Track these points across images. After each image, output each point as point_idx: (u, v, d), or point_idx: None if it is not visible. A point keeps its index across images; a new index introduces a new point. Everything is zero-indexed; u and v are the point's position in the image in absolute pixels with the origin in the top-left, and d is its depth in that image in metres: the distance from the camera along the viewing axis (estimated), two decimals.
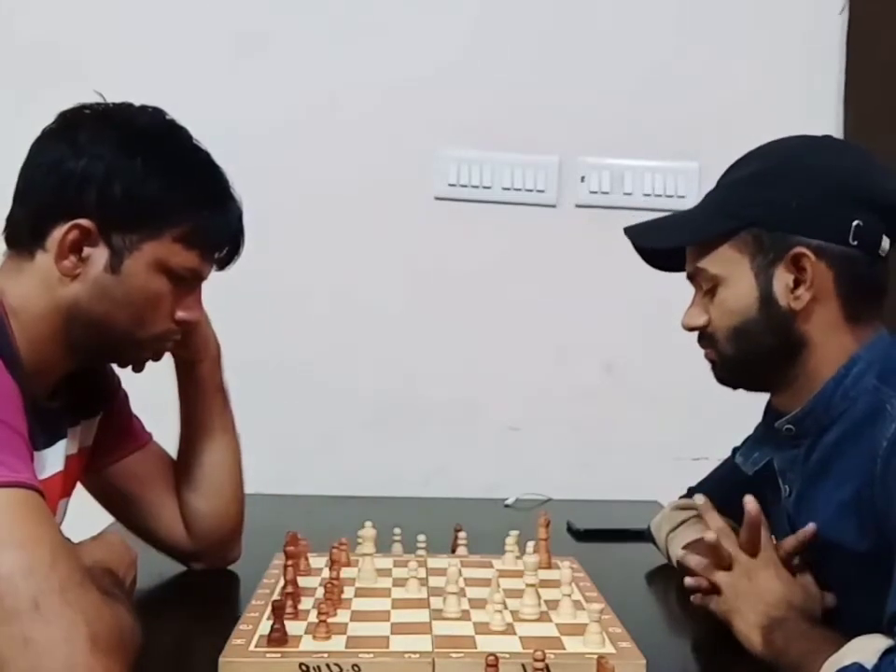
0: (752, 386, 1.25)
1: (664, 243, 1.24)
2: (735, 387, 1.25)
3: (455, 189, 2.22)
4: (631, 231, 1.26)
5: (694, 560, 1.20)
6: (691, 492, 1.47)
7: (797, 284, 1.14)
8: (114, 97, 1.17)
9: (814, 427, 1.16)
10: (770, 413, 1.26)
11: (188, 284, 1.16)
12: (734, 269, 1.16)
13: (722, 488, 1.40)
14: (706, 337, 1.22)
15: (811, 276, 1.13)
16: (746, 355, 1.18)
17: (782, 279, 1.14)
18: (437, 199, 2.22)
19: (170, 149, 1.13)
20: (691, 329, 1.23)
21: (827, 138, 1.28)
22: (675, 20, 2.24)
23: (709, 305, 1.20)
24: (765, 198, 1.15)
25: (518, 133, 2.21)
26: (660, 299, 2.24)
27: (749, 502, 1.15)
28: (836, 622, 1.07)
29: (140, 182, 1.09)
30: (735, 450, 1.36)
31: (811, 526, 1.13)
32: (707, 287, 1.19)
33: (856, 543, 1.07)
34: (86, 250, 1.08)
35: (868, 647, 0.91)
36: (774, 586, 1.11)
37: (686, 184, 2.23)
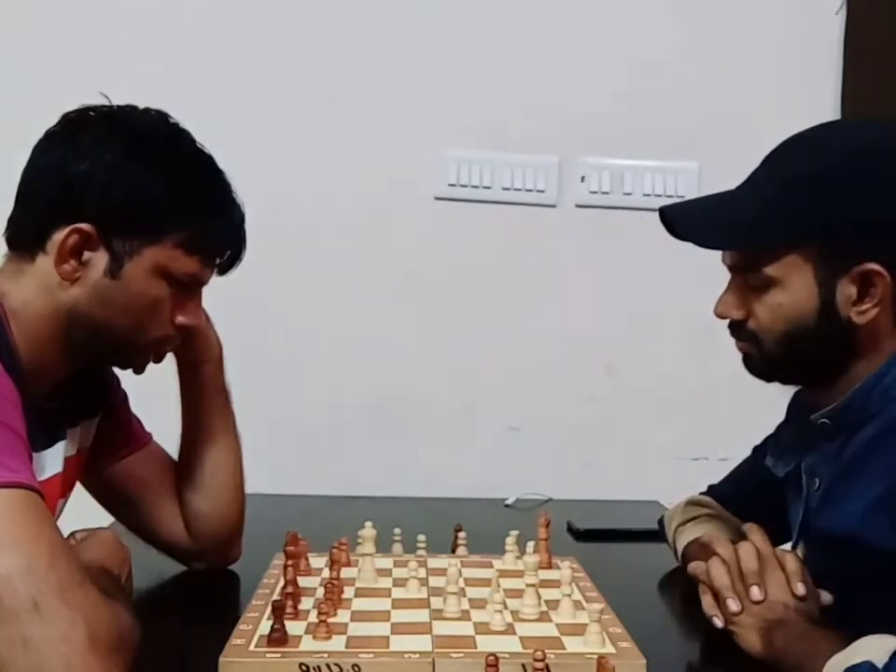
0: (789, 382, 1.22)
1: (721, 244, 1.17)
2: (769, 381, 1.21)
3: (455, 189, 2.22)
4: (678, 220, 1.17)
5: (699, 567, 1.19)
6: (711, 490, 1.46)
7: (860, 296, 1.09)
8: (111, 93, 1.17)
9: (850, 422, 1.14)
10: (802, 406, 1.23)
11: (188, 289, 1.16)
12: (794, 274, 1.11)
13: (745, 489, 1.39)
14: (743, 330, 1.17)
15: (880, 293, 1.09)
16: (794, 357, 1.15)
17: (845, 290, 1.10)
18: (437, 199, 2.22)
19: (172, 154, 1.13)
20: (723, 319, 1.19)
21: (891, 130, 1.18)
22: (674, 20, 2.25)
23: (753, 301, 1.15)
24: (836, 207, 1.09)
25: (518, 133, 2.21)
26: (660, 299, 2.26)
27: (756, 532, 1.15)
28: (855, 618, 1.05)
29: (142, 187, 1.08)
30: (756, 449, 1.34)
31: (828, 597, 1.12)
32: (756, 284, 1.14)
33: (885, 541, 1.05)
34: (86, 254, 1.08)
35: (880, 646, 0.90)
36: (770, 588, 1.11)
37: (686, 184, 2.23)
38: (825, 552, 1.16)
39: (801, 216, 1.11)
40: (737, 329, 1.19)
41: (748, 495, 1.38)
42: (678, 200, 2.20)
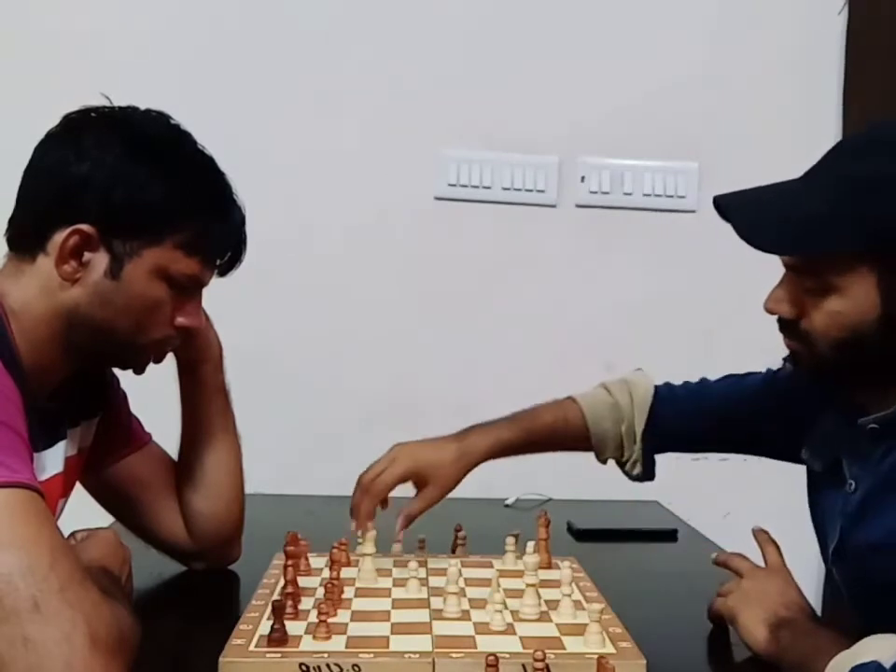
0: (839, 384, 1.17)
1: (783, 249, 1.09)
2: (816, 382, 1.18)
3: (455, 189, 2.22)
4: (735, 215, 1.08)
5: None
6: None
7: None
8: (112, 94, 1.17)
9: None
10: (847, 404, 1.18)
11: (188, 290, 1.16)
12: (856, 282, 1.04)
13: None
14: (794, 330, 1.11)
15: None
16: (847, 362, 1.09)
17: None
18: (437, 199, 2.22)
19: (173, 156, 1.13)
20: (773, 314, 1.13)
21: None
22: (674, 20, 2.24)
23: (808, 302, 1.09)
24: None
25: (518, 132, 2.22)
26: (660, 299, 2.26)
27: (772, 554, 1.17)
28: (878, 629, 0.99)
29: (143, 189, 1.08)
30: (785, 360, 1.30)
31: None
32: (813, 287, 1.08)
33: None
34: (86, 255, 1.08)
35: (887, 646, 0.89)
36: (785, 589, 1.12)
37: (686, 184, 2.23)
38: (858, 560, 1.14)
39: (867, 222, 1.03)
40: (788, 327, 1.13)
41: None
42: (677, 199, 2.23)
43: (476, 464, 1.38)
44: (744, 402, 1.36)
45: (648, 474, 1.46)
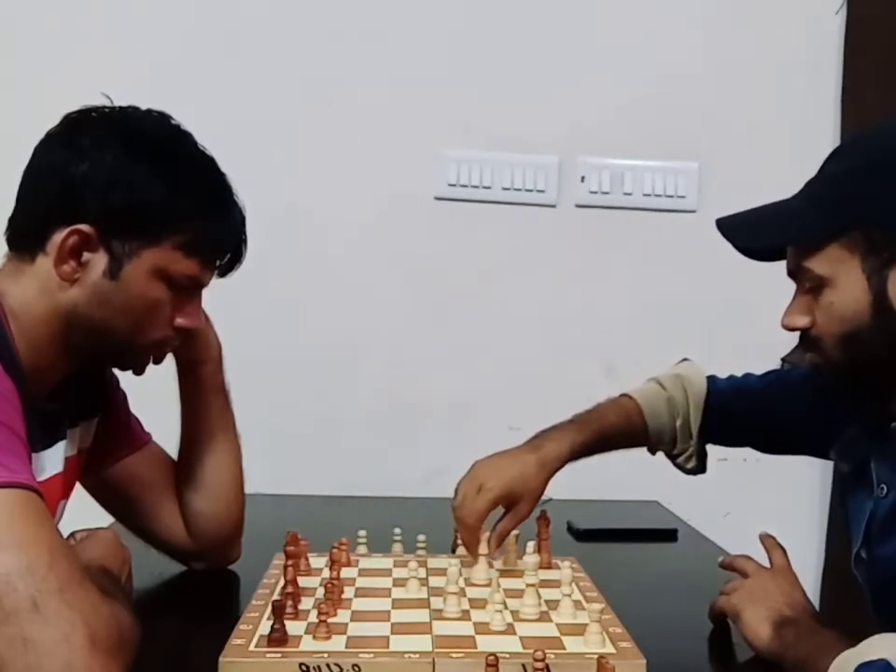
0: (860, 390, 1.15)
1: (762, 242, 1.13)
2: (837, 391, 1.17)
3: (455, 189, 2.22)
4: (725, 227, 1.14)
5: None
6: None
7: None
8: (112, 94, 1.17)
9: None
10: (877, 409, 1.16)
11: (188, 291, 1.15)
12: (842, 269, 1.06)
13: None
14: (808, 340, 1.12)
15: None
16: (856, 363, 1.08)
17: None
18: (437, 199, 2.22)
19: (173, 157, 1.12)
20: (791, 330, 1.14)
21: None
22: (674, 20, 2.24)
23: (814, 306, 1.10)
24: (878, 191, 1.05)
25: (518, 132, 2.21)
26: (660, 299, 2.26)
27: (778, 557, 1.17)
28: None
29: (142, 189, 1.08)
30: (783, 360, 1.31)
31: None
32: (811, 287, 1.09)
33: None
34: (85, 255, 1.08)
35: (894, 645, 0.88)
36: (789, 589, 1.12)
37: (686, 184, 2.23)
38: (887, 563, 1.14)
39: (839, 203, 1.06)
40: (804, 340, 1.13)
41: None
42: (677, 199, 2.24)
43: (556, 471, 1.36)
44: (787, 400, 1.35)
45: (702, 467, 1.45)
